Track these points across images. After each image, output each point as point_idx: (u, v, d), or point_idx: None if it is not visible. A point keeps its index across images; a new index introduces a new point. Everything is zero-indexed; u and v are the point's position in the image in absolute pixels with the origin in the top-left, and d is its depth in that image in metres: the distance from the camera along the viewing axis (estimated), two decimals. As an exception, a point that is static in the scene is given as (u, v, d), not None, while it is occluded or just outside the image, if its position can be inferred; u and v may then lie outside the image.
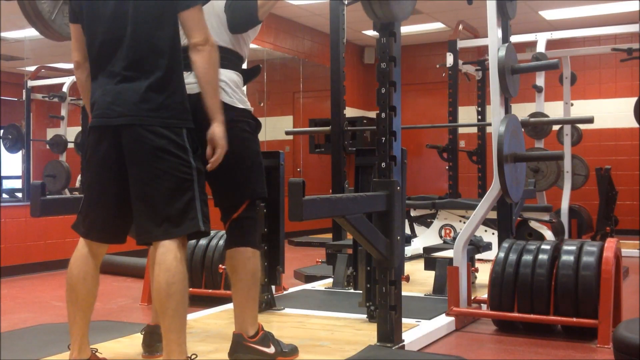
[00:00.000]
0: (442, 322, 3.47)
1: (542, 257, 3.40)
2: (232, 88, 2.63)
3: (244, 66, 2.80)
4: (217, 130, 2.37)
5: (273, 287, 3.81)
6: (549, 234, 6.02)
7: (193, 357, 2.32)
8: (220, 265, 3.99)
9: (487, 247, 4.29)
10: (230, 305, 3.75)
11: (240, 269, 2.64)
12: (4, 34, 6.40)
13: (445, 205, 6.06)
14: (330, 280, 4.56)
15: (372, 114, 9.17)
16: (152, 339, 2.78)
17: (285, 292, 4.26)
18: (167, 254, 2.24)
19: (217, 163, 2.39)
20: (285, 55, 9.16)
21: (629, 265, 5.57)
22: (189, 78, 2.47)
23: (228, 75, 2.62)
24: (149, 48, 2.29)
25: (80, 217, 2.44)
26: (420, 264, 4.69)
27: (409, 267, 4.64)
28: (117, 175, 2.32)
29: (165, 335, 2.23)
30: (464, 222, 5.26)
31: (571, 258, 3.35)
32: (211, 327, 3.29)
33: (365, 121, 9.17)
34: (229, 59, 2.65)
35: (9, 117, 6.86)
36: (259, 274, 2.72)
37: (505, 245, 3.59)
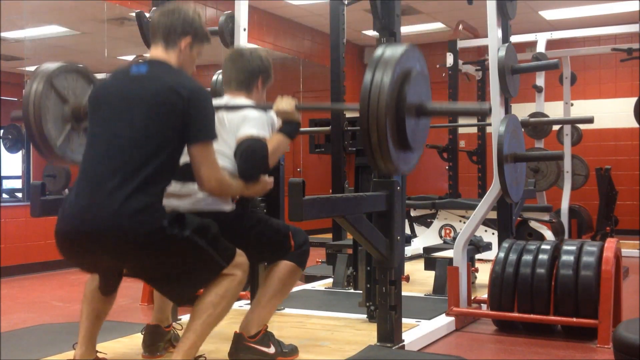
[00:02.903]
0: (442, 322, 3.47)
1: (542, 257, 3.40)
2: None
3: None
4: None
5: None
6: (549, 234, 6.02)
7: (201, 358, 2.36)
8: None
9: (487, 247, 4.29)
10: (230, 306, 3.76)
11: (276, 277, 2.68)
12: (4, 34, 6.40)
13: (445, 205, 6.06)
14: (330, 280, 4.56)
15: (372, 114, 9.14)
16: (153, 338, 2.78)
17: (285, 292, 4.26)
18: (226, 274, 2.36)
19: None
20: (285, 55, 9.16)
21: (629, 265, 5.57)
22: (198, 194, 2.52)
23: None
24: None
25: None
26: (420, 264, 4.69)
27: (409, 267, 4.64)
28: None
29: (186, 332, 2.32)
30: (464, 222, 5.25)
31: (571, 258, 3.35)
32: (211, 327, 3.29)
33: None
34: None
35: (9, 117, 6.86)
36: (290, 289, 2.78)
37: (505, 245, 3.59)
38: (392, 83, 2.26)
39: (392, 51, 2.34)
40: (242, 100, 2.76)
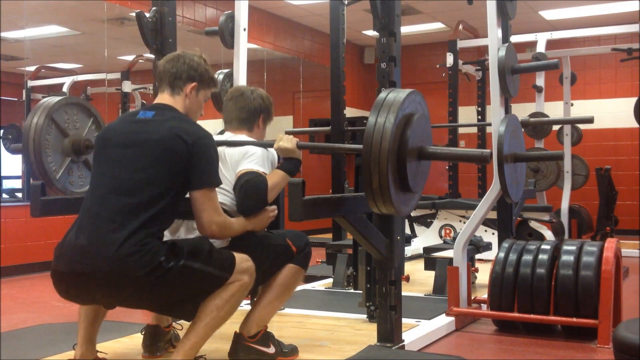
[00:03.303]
0: (442, 322, 3.47)
1: (542, 257, 3.40)
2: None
3: None
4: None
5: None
6: (549, 234, 6.02)
7: (202, 359, 2.36)
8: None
9: (487, 247, 4.29)
10: (230, 305, 3.76)
11: (280, 278, 2.69)
12: (4, 34, 6.40)
13: (445, 205, 6.06)
14: (330, 280, 4.56)
15: (372, 114, 9.14)
16: (152, 338, 2.78)
17: (285, 292, 4.26)
18: (233, 283, 2.37)
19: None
20: (285, 55, 9.16)
21: (629, 265, 5.57)
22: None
23: None
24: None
25: None
26: (420, 264, 4.69)
27: (409, 267, 4.64)
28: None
29: (187, 333, 2.34)
30: (464, 222, 5.26)
31: (571, 258, 3.35)
32: (211, 327, 3.29)
33: (365, 121, 9.17)
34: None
35: (9, 117, 6.86)
36: (293, 290, 2.80)
37: (505, 245, 3.59)
38: (394, 127, 2.30)
39: (395, 95, 2.37)
40: (243, 137, 2.80)
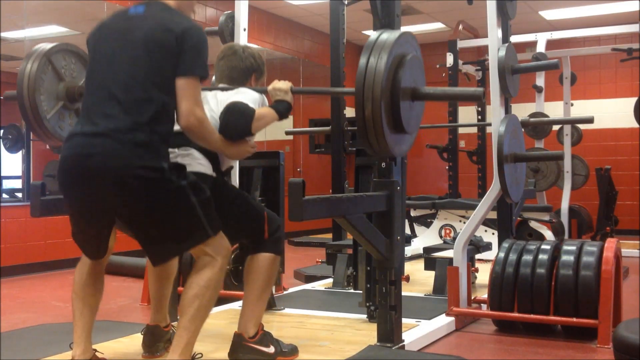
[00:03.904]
0: (442, 322, 3.47)
1: (542, 257, 3.40)
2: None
3: None
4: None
5: (273, 287, 3.81)
6: (549, 234, 6.02)
7: (198, 356, 2.33)
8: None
9: (487, 247, 4.29)
10: (230, 306, 3.77)
11: (260, 272, 2.66)
12: (4, 34, 6.40)
13: (445, 205, 6.06)
14: (330, 280, 4.56)
15: (372, 114, 9.13)
16: (152, 339, 2.78)
17: (285, 292, 4.26)
18: (206, 261, 2.31)
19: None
20: (285, 55, 9.16)
21: (629, 265, 5.57)
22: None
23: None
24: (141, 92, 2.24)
25: (72, 232, 2.43)
26: (420, 264, 4.69)
27: (409, 267, 4.64)
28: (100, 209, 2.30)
29: (178, 331, 2.29)
30: (464, 222, 5.26)
31: (571, 258, 3.35)
32: (211, 327, 3.29)
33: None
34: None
35: (9, 117, 6.85)
36: (274, 279, 2.76)
37: (505, 245, 3.59)
38: (387, 67, 2.28)
39: (387, 36, 2.35)
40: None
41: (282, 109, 2.66)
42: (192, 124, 2.28)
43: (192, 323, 2.27)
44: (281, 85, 2.69)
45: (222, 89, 2.74)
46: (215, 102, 2.66)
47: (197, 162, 2.56)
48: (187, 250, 2.34)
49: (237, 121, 2.49)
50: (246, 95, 2.66)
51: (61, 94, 2.88)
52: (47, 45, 2.88)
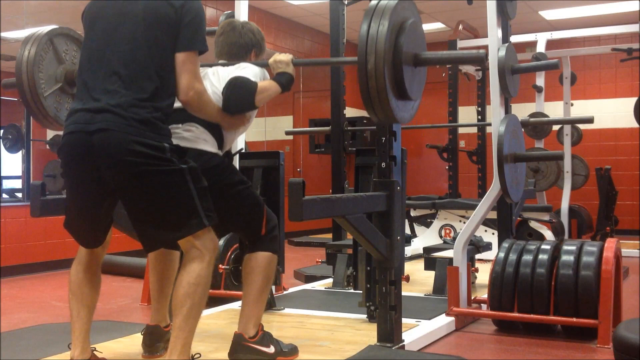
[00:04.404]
0: (442, 322, 3.47)
1: (542, 257, 3.40)
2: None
3: None
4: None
5: (273, 287, 3.81)
6: (549, 234, 6.02)
7: (197, 356, 2.32)
8: (220, 265, 3.99)
9: (487, 247, 4.29)
10: (230, 305, 3.77)
11: (258, 271, 2.65)
12: (4, 34, 6.40)
13: (445, 205, 6.06)
14: (330, 280, 4.56)
15: (372, 114, 9.13)
16: (152, 339, 2.78)
17: (285, 292, 4.26)
18: (194, 255, 2.28)
19: None
20: (285, 55, 9.14)
21: (629, 265, 5.57)
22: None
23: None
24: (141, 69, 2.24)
25: (66, 219, 2.42)
26: (420, 264, 4.69)
27: (409, 267, 4.64)
28: (96, 189, 2.29)
29: (174, 332, 2.27)
30: (464, 222, 5.25)
31: (571, 258, 3.35)
32: (211, 327, 3.29)
33: (365, 121, 9.17)
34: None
35: (9, 117, 6.86)
36: (273, 278, 2.75)
37: (505, 245, 3.59)
38: (388, 32, 2.27)
39: (386, 1, 2.35)
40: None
41: (284, 81, 2.67)
42: (192, 97, 2.31)
43: (186, 323, 2.26)
44: (282, 57, 2.71)
45: (223, 65, 2.74)
46: (216, 78, 2.65)
47: (201, 139, 2.56)
48: (182, 238, 2.29)
49: (241, 95, 2.51)
50: (247, 70, 2.66)
51: (60, 76, 2.88)
52: (47, 28, 2.88)
